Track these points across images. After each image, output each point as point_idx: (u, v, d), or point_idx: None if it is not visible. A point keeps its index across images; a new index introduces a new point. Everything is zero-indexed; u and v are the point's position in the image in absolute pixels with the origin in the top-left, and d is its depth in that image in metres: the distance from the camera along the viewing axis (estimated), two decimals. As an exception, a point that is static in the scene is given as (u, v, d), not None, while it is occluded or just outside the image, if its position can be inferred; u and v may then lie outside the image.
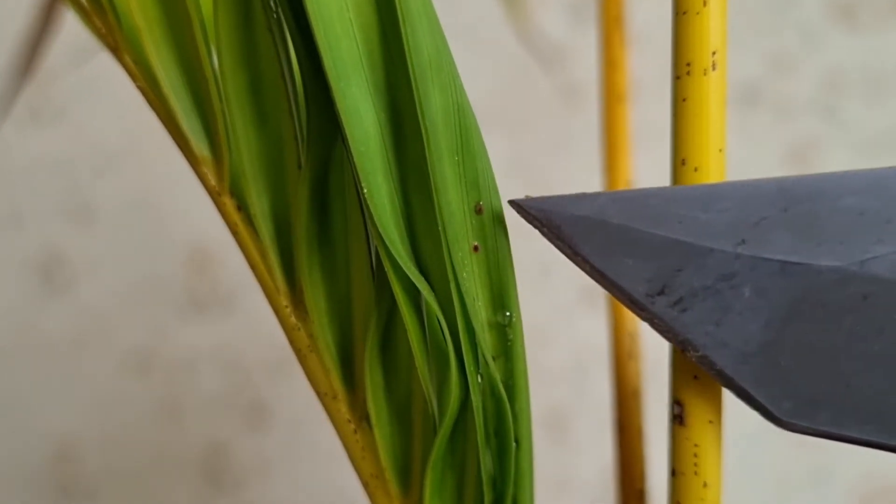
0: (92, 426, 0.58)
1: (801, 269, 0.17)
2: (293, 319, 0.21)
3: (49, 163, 0.57)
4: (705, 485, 0.19)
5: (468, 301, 0.19)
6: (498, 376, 0.19)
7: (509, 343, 0.20)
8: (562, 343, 0.58)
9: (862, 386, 0.17)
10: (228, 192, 0.21)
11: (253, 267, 0.21)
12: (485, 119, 0.19)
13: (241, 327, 0.58)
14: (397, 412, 0.21)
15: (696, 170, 0.18)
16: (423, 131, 0.18)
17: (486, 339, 0.20)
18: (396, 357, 0.21)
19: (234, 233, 0.21)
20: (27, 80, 0.24)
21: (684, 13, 0.18)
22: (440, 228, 0.19)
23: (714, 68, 0.18)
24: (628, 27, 0.30)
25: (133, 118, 0.53)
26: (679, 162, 0.19)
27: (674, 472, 0.19)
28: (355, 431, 0.21)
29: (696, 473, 0.19)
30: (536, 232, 0.18)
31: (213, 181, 0.21)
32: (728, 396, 0.18)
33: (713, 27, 0.18)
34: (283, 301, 0.21)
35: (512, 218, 0.19)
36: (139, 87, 0.21)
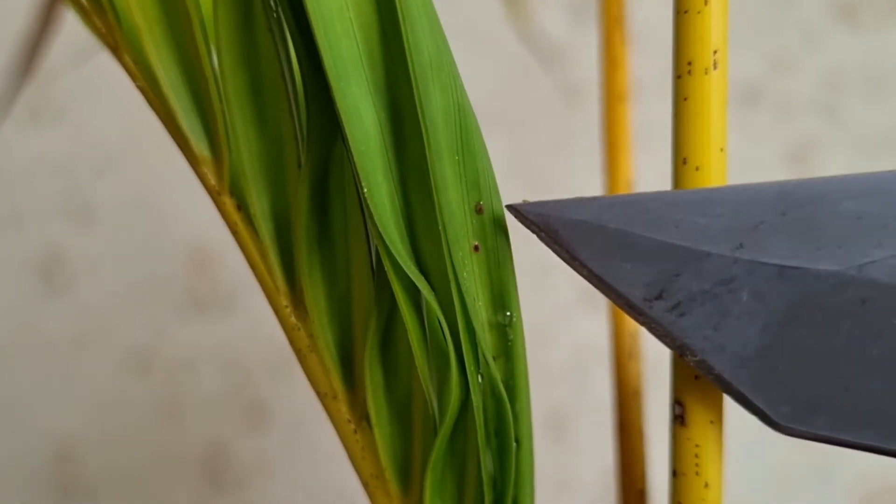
0: (92, 426, 0.58)
1: (799, 274, 0.17)
2: (293, 319, 0.21)
3: (49, 163, 0.57)
4: (706, 485, 0.19)
5: (468, 301, 0.19)
6: (498, 376, 0.19)
7: (510, 343, 0.20)
8: (562, 343, 0.58)
9: (860, 390, 0.17)
10: (228, 192, 0.21)
11: (253, 267, 0.21)
12: (485, 119, 0.19)
13: (241, 327, 0.58)
14: (397, 412, 0.21)
15: (697, 169, 0.18)
16: (424, 131, 0.18)
17: (486, 339, 0.19)
18: (396, 357, 0.21)
19: (234, 232, 0.21)
20: (27, 79, 0.24)
21: (685, 12, 0.18)
22: (440, 228, 0.18)
23: (715, 67, 0.18)
24: (629, 26, 0.30)
25: (133, 118, 0.53)
26: (680, 161, 0.19)
27: (675, 473, 0.19)
28: (355, 431, 0.21)
29: (697, 474, 0.19)
30: (537, 232, 0.18)
31: (212, 181, 0.21)
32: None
33: (714, 26, 0.18)
34: (283, 301, 0.21)
35: (512, 218, 0.19)
36: (139, 87, 0.21)
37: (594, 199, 0.18)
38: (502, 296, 0.19)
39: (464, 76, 0.19)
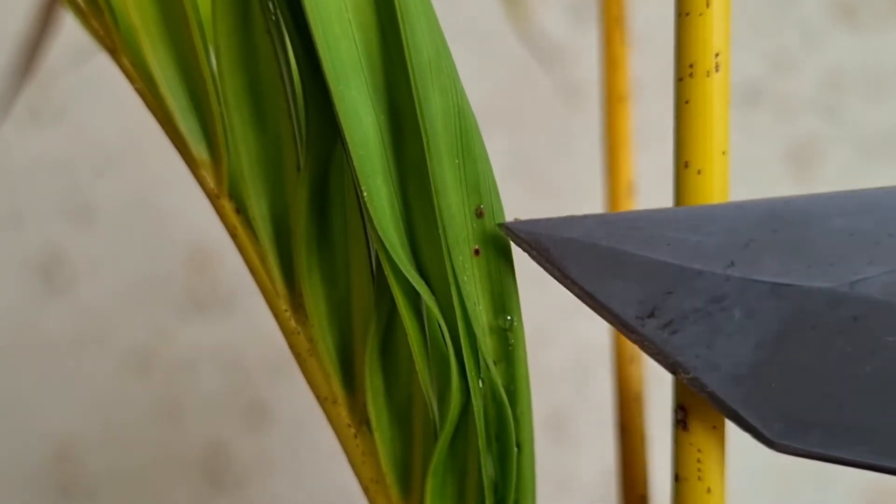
0: (92, 426, 0.58)
1: (791, 291, 0.17)
2: (293, 323, 0.21)
3: (49, 163, 0.57)
4: (709, 490, 0.19)
5: (469, 305, 0.19)
6: (499, 380, 0.19)
7: (510, 347, 0.19)
8: (562, 344, 0.58)
9: (853, 407, 0.17)
10: (227, 195, 0.21)
11: (252, 270, 0.21)
12: (485, 120, 0.19)
13: (241, 327, 0.58)
14: (398, 416, 0.21)
15: (699, 172, 0.18)
16: (423, 134, 0.18)
17: (487, 344, 0.19)
18: (397, 361, 0.21)
19: (233, 235, 0.21)
20: (27, 80, 0.24)
21: (687, 14, 0.18)
22: (440, 232, 0.18)
23: (717, 70, 0.18)
24: (629, 27, 0.30)
25: (133, 118, 0.53)
26: (682, 164, 0.18)
27: (677, 478, 0.19)
28: (355, 436, 0.21)
29: (699, 479, 0.19)
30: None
31: (211, 184, 0.21)
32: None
33: (716, 29, 0.18)
34: (283, 305, 0.21)
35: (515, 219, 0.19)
36: (137, 89, 0.21)
37: (585, 217, 0.18)
38: (503, 300, 0.19)
39: (463, 77, 0.19)
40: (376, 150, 0.18)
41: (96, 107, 0.57)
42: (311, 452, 0.59)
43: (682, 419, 0.19)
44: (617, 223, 0.18)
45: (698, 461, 0.19)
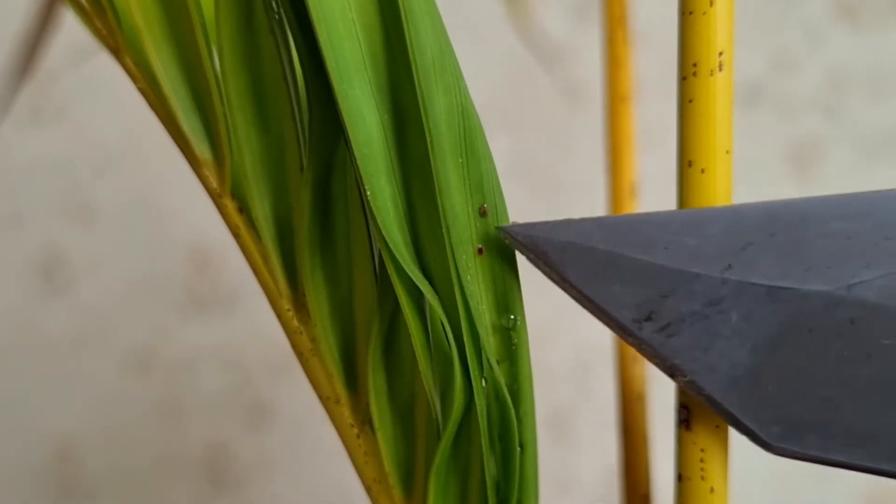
0: (92, 426, 0.58)
1: (788, 294, 0.17)
2: (295, 323, 0.21)
3: (49, 163, 0.57)
4: (712, 490, 0.19)
5: (472, 304, 0.19)
6: (502, 380, 0.19)
7: (514, 347, 0.19)
8: (563, 343, 0.58)
9: (851, 410, 0.17)
10: (230, 195, 0.21)
11: (255, 270, 0.21)
12: (486, 119, 0.19)
13: (242, 327, 0.58)
14: (400, 416, 0.21)
15: (702, 171, 0.18)
16: (427, 133, 0.18)
17: (490, 343, 0.19)
18: (399, 361, 0.21)
19: (236, 235, 0.21)
20: (27, 79, 0.24)
21: (690, 13, 0.18)
22: (444, 231, 0.18)
23: (721, 69, 0.18)
24: (631, 27, 0.30)
25: (133, 118, 0.53)
26: (686, 163, 0.18)
27: (680, 478, 0.19)
28: (358, 436, 0.21)
29: (702, 479, 0.19)
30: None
31: (214, 183, 0.21)
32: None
33: (720, 27, 0.18)
34: (286, 304, 0.21)
35: (517, 219, 0.19)
36: (140, 89, 0.21)
37: (582, 220, 0.18)
38: (506, 299, 0.19)
39: (465, 77, 0.19)
40: (380, 149, 0.18)
41: (96, 107, 0.57)
42: (312, 452, 0.59)
43: (685, 418, 0.19)
44: (614, 226, 0.18)
45: (701, 461, 0.19)
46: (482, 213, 0.19)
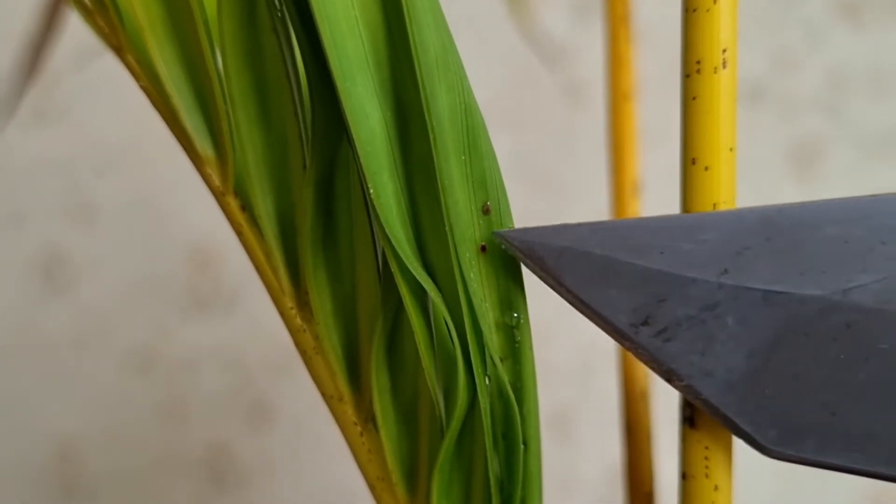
0: (93, 426, 0.58)
1: (784, 299, 0.17)
2: (298, 321, 0.21)
3: (50, 163, 0.57)
4: (716, 488, 0.19)
5: (476, 302, 0.19)
6: (506, 378, 0.19)
7: (517, 345, 0.19)
8: (565, 342, 0.58)
9: (848, 414, 0.17)
10: (233, 193, 0.21)
11: (258, 268, 0.21)
12: (488, 119, 0.19)
13: (243, 326, 0.58)
14: (404, 414, 0.21)
15: (706, 169, 0.18)
16: (430, 131, 0.18)
17: (493, 341, 0.19)
18: (403, 359, 0.21)
19: (239, 233, 0.21)
20: (31, 81, 0.24)
21: (694, 10, 0.18)
22: (447, 229, 0.18)
23: (724, 66, 0.18)
24: (633, 25, 0.30)
25: (133, 118, 0.53)
26: (689, 161, 0.18)
27: (684, 476, 0.19)
28: (361, 434, 0.21)
29: (706, 476, 0.19)
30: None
31: (217, 181, 0.21)
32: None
33: (723, 25, 0.18)
34: (289, 302, 0.21)
35: (520, 218, 0.19)
36: (142, 87, 0.21)
37: (579, 225, 0.18)
38: (510, 297, 0.19)
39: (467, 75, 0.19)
40: (383, 147, 0.18)
41: (97, 107, 0.57)
42: (312, 452, 0.59)
43: (689, 416, 0.19)
44: (610, 231, 0.18)
45: (706, 458, 0.19)
46: (485, 211, 0.19)
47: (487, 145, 0.19)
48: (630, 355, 0.29)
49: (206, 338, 0.58)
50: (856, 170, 0.60)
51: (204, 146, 0.21)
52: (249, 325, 0.58)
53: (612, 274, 0.18)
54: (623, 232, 0.18)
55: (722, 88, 0.18)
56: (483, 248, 0.19)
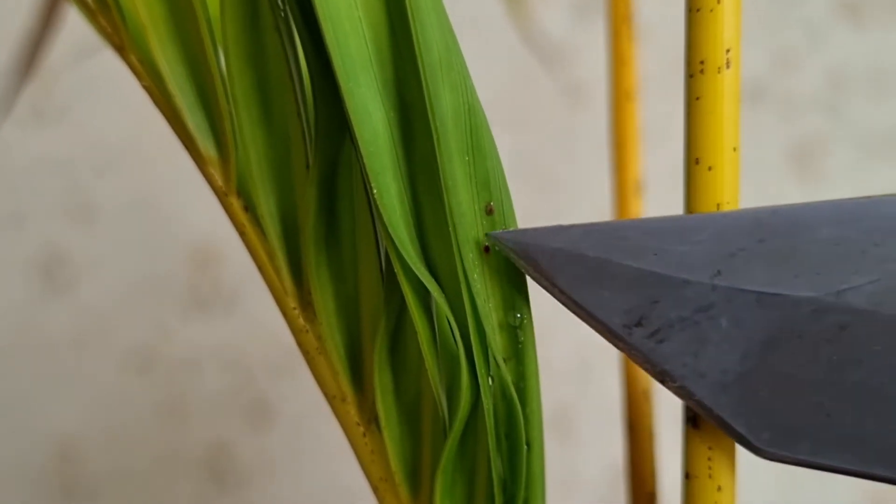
0: (94, 426, 0.58)
1: (777, 301, 0.17)
2: (301, 321, 0.21)
3: (50, 162, 0.57)
4: (720, 488, 0.19)
5: (479, 302, 0.19)
6: (509, 378, 0.19)
7: (520, 345, 0.19)
8: (565, 341, 0.58)
9: (841, 415, 0.17)
10: (235, 193, 0.21)
11: (260, 268, 0.21)
12: (489, 119, 0.19)
13: (244, 326, 0.58)
14: (407, 415, 0.21)
15: (710, 169, 0.18)
16: (434, 131, 0.18)
17: (496, 341, 0.19)
18: (406, 359, 0.21)
19: (241, 233, 0.21)
20: (28, 79, 0.24)
21: (698, 10, 0.18)
22: (450, 229, 0.18)
23: (728, 66, 0.18)
24: (635, 25, 0.30)
25: (133, 118, 0.53)
26: (693, 161, 0.18)
27: (687, 476, 0.19)
28: (364, 434, 0.21)
29: (710, 477, 0.19)
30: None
31: (219, 181, 0.21)
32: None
33: (727, 25, 0.18)
34: (292, 303, 0.21)
35: (523, 218, 0.19)
36: (145, 87, 0.21)
37: (572, 226, 0.18)
38: (513, 297, 0.19)
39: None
40: (386, 147, 0.18)
41: (97, 106, 0.57)
42: (313, 452, 0.59)
43: (692, 416, 0.19)
44: (604, 233, 0.18)
45: (709, 459, 0.19)
46: (489, 212, 0.19)
47: (491, 145, 0.19)
48: (632, 355, 0.29)
49: (206, 338, 0.58)
50: (856, 170, 0.60)
51: (206, 146, 0.21)
52: (250, 325, 0.58)
53: (605, 275, 0.18)
54: (616, 233, 0.18)
55: (725, 89, 0.18)
56: (486, 249, 0.19)
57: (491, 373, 0.19)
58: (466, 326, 0.19)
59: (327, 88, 0.19)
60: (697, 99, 0.18)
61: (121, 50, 0.21)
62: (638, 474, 0.28)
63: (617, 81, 0.29)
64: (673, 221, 0.18)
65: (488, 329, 0.19)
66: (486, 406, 0.19)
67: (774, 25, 0.59)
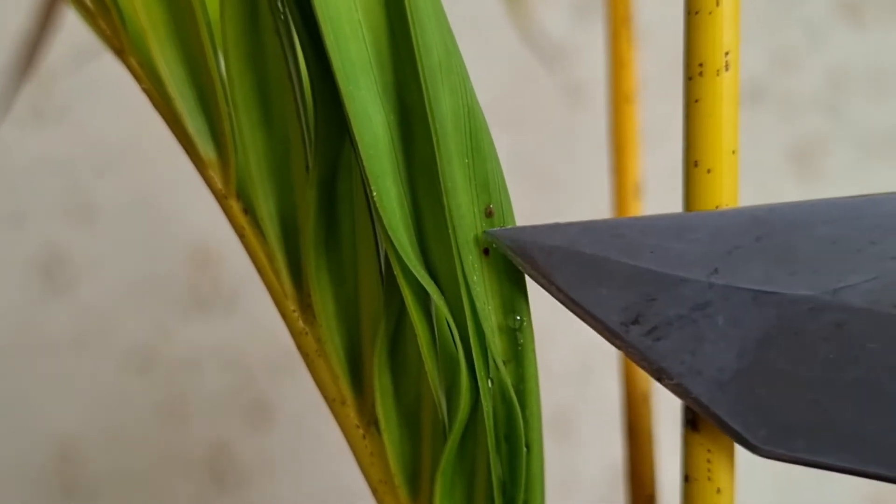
0: (94, 426, 0.58)
1: (774, 299, 0.17)
2: (301, 324, 0.21)
3: (50, 162, 0.57)
4: (719, 491, 0.19)
5: (479, 305, 0.19)
6: (509, 381, 0.19)
7: (520, 347, 0.19)
8: (564, 343, 0.58)
9: (838, 413, 0.17)
10: (235, 195, 0.21)
11: (260, 270, 0.21)
12: (488, 120, 0.19)
13: (244, 326, 0.58)
14: (406, 417, 0.21)
15: (708, 171, 0.18)
16: (433, 134, 0.18)
17: (496, 344, 0.19)
18: (406, 361, 0.21)
19: (241, 236, 0.21)
20: (27, 79, 0.24)
21: (697, 13, 0.18)
22: (450, 231, 0.18)
23: (727, 69, 0.18)
24: (635, 27, 0.30)
25: (133, 118, 0.53)
26: (692, 163, 0.18)
27: (687, 478, 0.19)
28: (364, 437, 0.21)
29: (709, 479, 0.19)
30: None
31: (219, 184, 0.21)
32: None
33: (726, 27, 0.18)
34: (291, 305, 0.21)
35: (522, 219, 0.19)
36: (144, 90, 0.21)
37: (570, 224, 0.18)
38: (512, 299, 0.19)
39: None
40: (386, 150, 0.18)
41: (97, 107, 0.57)
42: (313, 453, 0.59)
43: (691, 419, 0.19)
44: (601, 230, 0.18)
45: (708, 461, 0.19)
46: (488, 214, 0.19)
47: (490, 148, 0.19)
48: (631, 357, 0.29)
49: (206, 338, 0.58)
50: (856, 170, 0.60)
51: (206, 149, 0.21)
52: (250, 325, 0.58)
53: (602, 273, 0.18)
54: (614, 231, 0.18)
55: (724, 91, 0.18)
56: (486, 251, 0.19)
57: (490, 375, 0.19)
58: (466, 329, 0.19)
59: (327, 91, 0.19)
60: (696, 101, 0.18)
61: (120, 53, 0.21)
62: (637, 477, 0.28)
63: (616, 84, 0.29)
64: (670, 219, 0.18)
65: (488, 331, 0.19)
66: (485, 408, 0.19)
67: (774, 25, 0.59)
